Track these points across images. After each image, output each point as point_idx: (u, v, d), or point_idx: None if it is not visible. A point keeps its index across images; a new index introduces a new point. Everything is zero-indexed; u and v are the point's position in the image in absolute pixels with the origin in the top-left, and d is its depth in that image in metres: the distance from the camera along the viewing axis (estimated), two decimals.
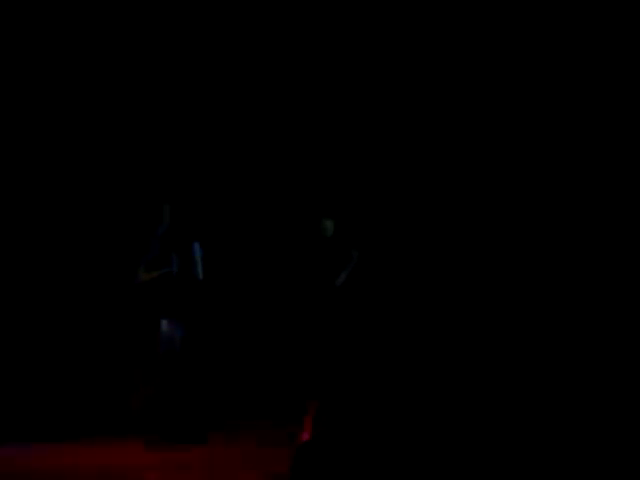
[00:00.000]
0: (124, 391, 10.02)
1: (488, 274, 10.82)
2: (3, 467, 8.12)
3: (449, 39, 11.11)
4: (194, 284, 9.27)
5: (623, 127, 10.68)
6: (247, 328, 11.18)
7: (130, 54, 11.08)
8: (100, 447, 9.00)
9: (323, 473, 4.11)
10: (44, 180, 10.89)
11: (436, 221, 11.15)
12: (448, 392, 9.40)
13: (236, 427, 9.96)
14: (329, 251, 10.40)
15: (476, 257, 10.91)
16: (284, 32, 11.26)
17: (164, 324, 9.12)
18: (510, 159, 10.98)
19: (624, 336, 10.25)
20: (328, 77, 11.35)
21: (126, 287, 9.47)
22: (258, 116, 11.40)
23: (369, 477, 4.12)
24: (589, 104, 10.78)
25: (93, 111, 11.03)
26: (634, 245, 10.50)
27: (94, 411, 10.25)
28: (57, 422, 9.91)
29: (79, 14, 10.86)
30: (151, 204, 9.62)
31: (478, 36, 11.05)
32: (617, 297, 10.45)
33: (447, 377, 10.07)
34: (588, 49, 10.76)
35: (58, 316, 10.64)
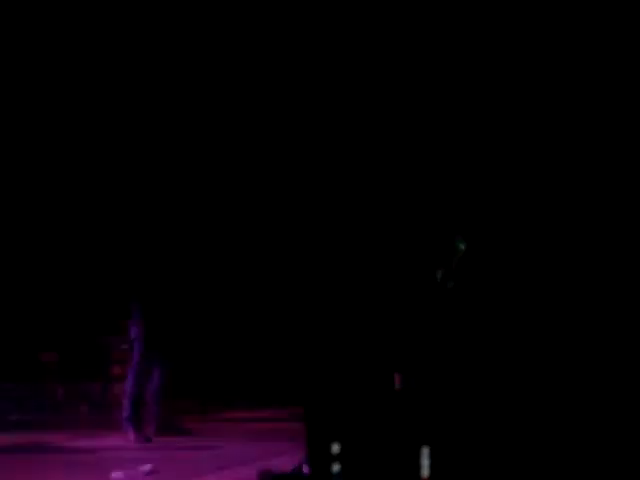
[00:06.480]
0: None
1: None
2: None
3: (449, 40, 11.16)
4: None
5: (623, 127, 10.71)
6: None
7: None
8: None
9: None
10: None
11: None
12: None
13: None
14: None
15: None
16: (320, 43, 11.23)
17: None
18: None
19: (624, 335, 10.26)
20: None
21: None
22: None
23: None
24: (589, 104, 10.81)
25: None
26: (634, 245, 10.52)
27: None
28: None
29: (80, 15, 10.92)
30: None
31: (478, 36, 11.10)
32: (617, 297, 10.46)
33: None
34: (588, 49, 10.80)
35: None
